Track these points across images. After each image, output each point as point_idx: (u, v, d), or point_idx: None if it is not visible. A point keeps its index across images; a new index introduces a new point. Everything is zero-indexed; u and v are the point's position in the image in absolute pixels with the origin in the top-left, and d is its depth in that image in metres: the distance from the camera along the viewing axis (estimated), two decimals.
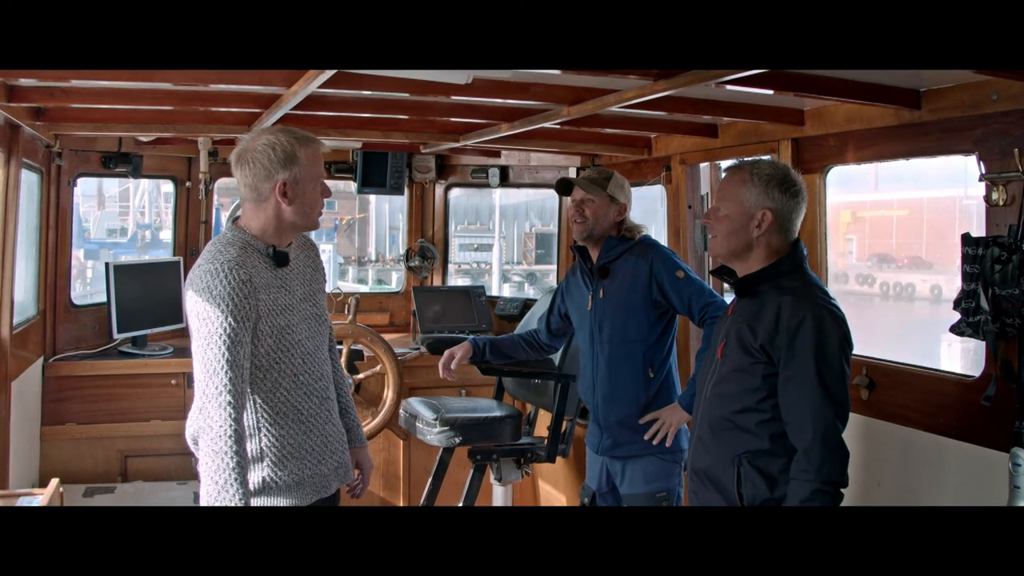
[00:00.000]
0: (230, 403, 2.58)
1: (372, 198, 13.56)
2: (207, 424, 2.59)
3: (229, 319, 2.60)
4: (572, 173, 6.15)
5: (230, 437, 2.56)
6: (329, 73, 3.04)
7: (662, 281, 3.66)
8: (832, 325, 2.59)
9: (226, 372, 2.59)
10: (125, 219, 21.65)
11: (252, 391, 2.73)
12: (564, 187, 3.89)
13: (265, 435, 2.76)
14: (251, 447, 2.75)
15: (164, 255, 6.60)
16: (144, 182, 14.50)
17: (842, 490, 2.57)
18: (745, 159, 2.96)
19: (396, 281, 7.34)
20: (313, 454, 2.85)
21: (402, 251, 6.70)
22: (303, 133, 2.80)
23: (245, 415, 2.72)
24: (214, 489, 2.56)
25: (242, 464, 2.58)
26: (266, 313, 2.71)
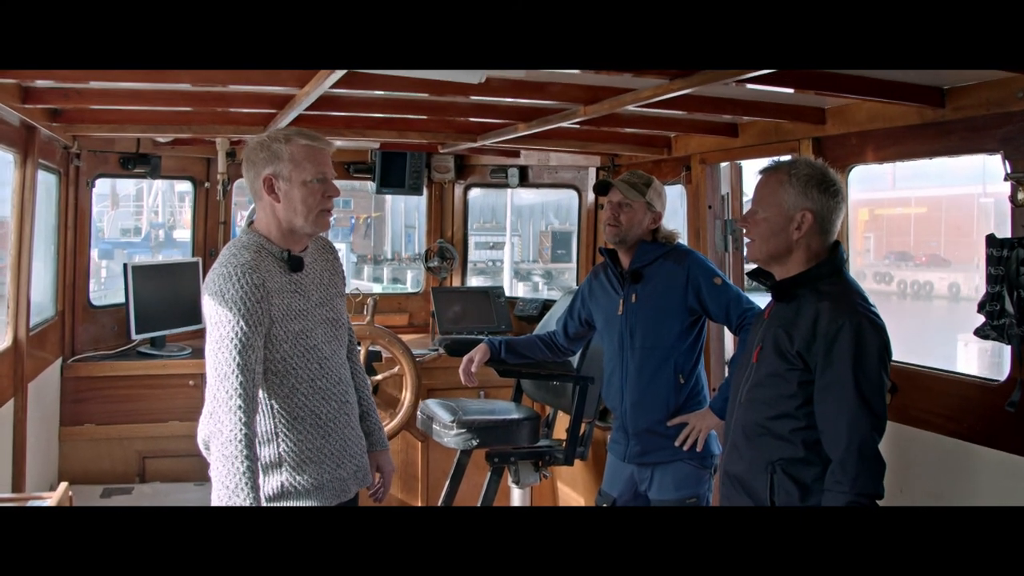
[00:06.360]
0: (241, 407, 2.56)
1: (388, 196, 13.63)
2: (218, 429, 2.57)
3: (241, 323, 2.59)
4: (592, 173, 6.12)
5: (240, 442, 2.54)
6: (340, 72, 3.01)
7: (699, 287, 3.61)
8: (871, 334, 2.52)
9: (237, 376, 2.58)
10: (139, 219, 21.78)
11: (269, 396, 2.72)
12: (602, 188, 3.82)
13: (283, 440, 2.75)
14: (269, 452, 2.74)
15: (177, 254, 6.59)
16: (158, 182, 14.59)
17: (878, 502, 2.50)
18: (781, 159, 2.90)
19: (411, 280, 7.30)
20: (332, 458, 2.83)
21: (418, 250, 6.67)
22: (299, 130, 2.77)
23: (262, 420, 2.71)
24: (225, 494, 2.55)
25: (253, 469, 2.56)
26: (280, 318, 2.70)
